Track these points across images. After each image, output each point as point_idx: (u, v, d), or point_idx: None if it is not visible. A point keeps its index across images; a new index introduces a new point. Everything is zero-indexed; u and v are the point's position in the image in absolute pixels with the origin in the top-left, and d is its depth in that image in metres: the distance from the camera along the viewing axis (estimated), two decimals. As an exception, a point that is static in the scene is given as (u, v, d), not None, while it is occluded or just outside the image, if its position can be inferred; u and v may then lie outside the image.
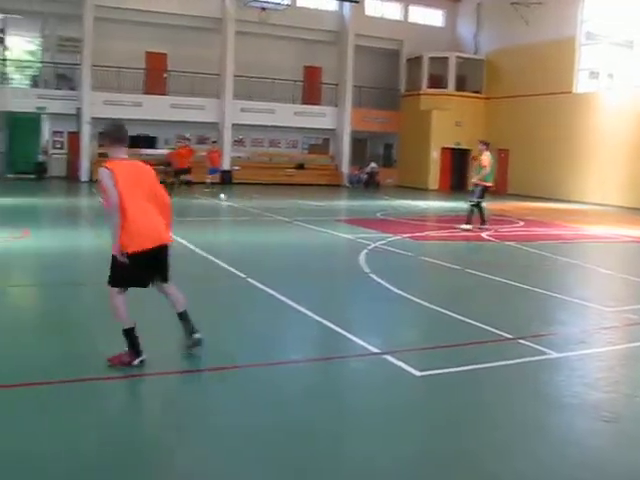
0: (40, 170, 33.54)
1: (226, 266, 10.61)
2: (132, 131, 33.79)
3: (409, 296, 8.88)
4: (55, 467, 4.06)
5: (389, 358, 6.21)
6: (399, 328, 7.81)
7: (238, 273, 10.01)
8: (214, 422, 4.83)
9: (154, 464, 4.26)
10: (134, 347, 5.77)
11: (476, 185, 17.04)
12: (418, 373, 5.83)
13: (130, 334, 5.78)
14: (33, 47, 37.47)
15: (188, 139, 29.68)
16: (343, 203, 27.61)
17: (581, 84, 31.12)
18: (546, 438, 4.69)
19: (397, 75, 38.82)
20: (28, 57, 37.54)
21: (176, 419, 4.92)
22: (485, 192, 17.00)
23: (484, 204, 17.06)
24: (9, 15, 33.41)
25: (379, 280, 9.80)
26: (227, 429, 4.71)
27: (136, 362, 5.73)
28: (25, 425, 4.58)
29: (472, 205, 16.88)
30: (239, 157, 35.58)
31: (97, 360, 5.82)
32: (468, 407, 5.29)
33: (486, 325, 7.37)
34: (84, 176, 32.41)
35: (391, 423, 4.96)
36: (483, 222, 16.77)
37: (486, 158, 16.97)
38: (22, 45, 37.52)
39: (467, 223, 16.68)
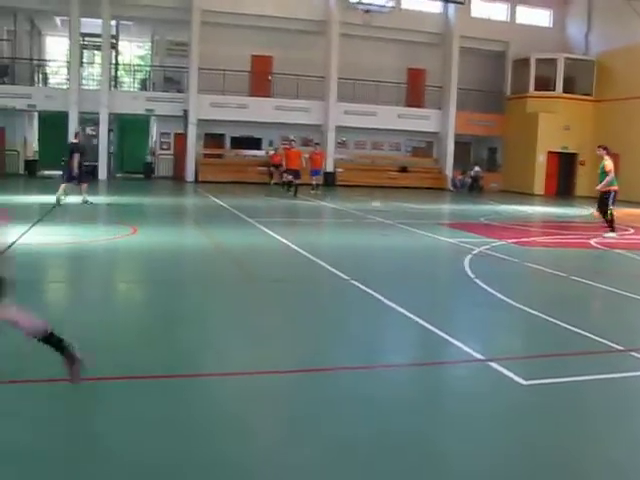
0: (148, 170, 34.62)
1: (329, 267, 10.61)
2: (237, 132, 34.69)
3: (514, 302, 8.65)
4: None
5: (494, 365, 6.05)
6: (504, 335, 7.61)
7: (341, 275, 9.99)
8: (317, 430, 4.81)
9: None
10: (64, 349, 4.96)
11: (606, 192, 16.58)
12: (524, 382, 5.64)
13: (51, 339, 4.94)
14: (143, 52, 38.75)
15: (294, 141, 30.02)
16: (446, 207, 27.29)
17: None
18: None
19: (503, 77, 38.08)
20: (138, 61, 38.84)
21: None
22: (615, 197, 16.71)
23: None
24: (122, 22, 34.61)
25: (484, 285, 9.60)
26: (328, 435, 4.68)
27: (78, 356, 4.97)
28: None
29: (609, 212, 16.54)
30: (342, 159, 35.69)
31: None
32: (575, 421, 5.08)
33: (595, 335, 7.09)
34: (189, 176, 33.21)
35: (495, 432, 4.82)
36: (613, 229, 16.46)
37: (609, 163, 16.52)
38: (133, 50, 38.85)
39: (612, 231, 16.32)
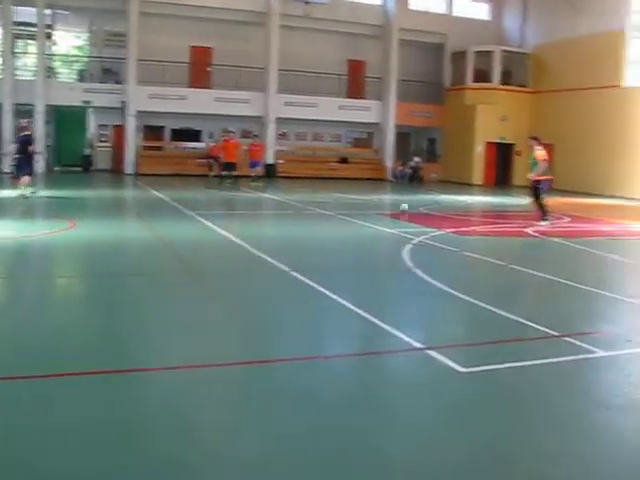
0: (86, 163, 34.05)
1: (270, 259, 10.63)
2: (176, 124, 34.35)
3: (453, 291, 8.80)
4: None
5: (432, 353, 6.17)
6: (443, 324, 7.75)
7: (281, 266, 10.03)
8: (253, 417, 4.84)
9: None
10: None
11: (538, 181, 16.77)
12: (462, 369, 5.77)
13: None
14: (80, 42, 37.98)
15: (232, 132, 29.91)
16: (387, 197, 27.51)
17: (630, 78, 30.52)
18: (594, 439, 4.62)
19: (441, 69, 38.49)
20: (75, 52, 38.08)
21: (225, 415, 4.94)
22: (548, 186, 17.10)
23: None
24: (57, 11, 33.89)
25: (423, 275, 9.74)
26: (262, 423, 4.72)
27: None
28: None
29: (539, 200, 16.80)
30: (283, 151, 35.67)
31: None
32: (513, 405, 5.22)
33: (531, 322, 7.28)
34: (129, 169, 32.79)
35: (434, 420, 4.91)
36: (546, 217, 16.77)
37: (540, 152, 16.81)
38: (69, 40, 38.05)
39: (544, 219, 16.57)
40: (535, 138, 17.32)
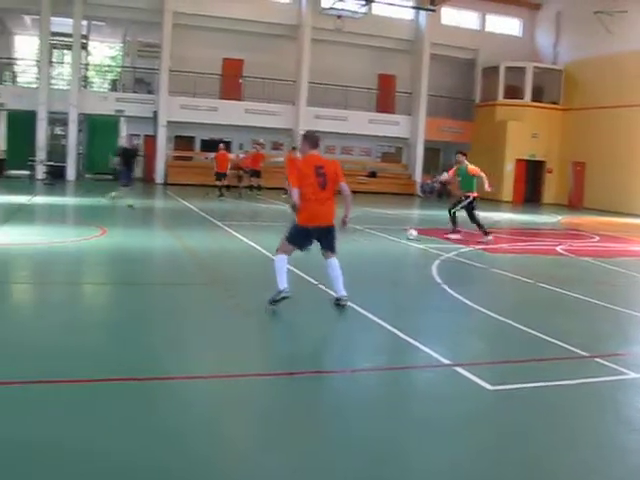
0: (116, 171, 34.33)
1: (299, 272, 10.63)
2: (206, 135, 34.57)
3: (481, 308, 8.75)
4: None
5: (460, 370, 6.12)
6: (471, 340, 7.69)
7: (309, 279, 10.02)
8: (283, 427, 4.84)
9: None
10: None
11: (467, 196, 16.26)
12: (490, 387, 5.72)
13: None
14: (114, 52, 38.52)
15: (262, 144, 30.03)
16: (415, 212, 27.46)
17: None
18: (625, 462, 4.55)
19: (472, 85, 38.43)
20: (109, 62, 38.59)
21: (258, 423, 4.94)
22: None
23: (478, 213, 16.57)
24: (93, 22, 34.38)
25: (451, 291, 9.69)
26: (290, 431, 4.71)
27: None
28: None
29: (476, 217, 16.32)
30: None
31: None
32: (542, 425, 5.14)
33: (560, 341, 7.19)
34: (159, 178, 33.05)
35: (461, 437, 4.87)
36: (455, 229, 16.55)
37: (473, 166, 16.38)
38: (103, 50, 38.60)
39: (487, 234, 16.08)
40: (463, 153, 16.74)
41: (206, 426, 4.79)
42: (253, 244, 13.53)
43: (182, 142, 35.01)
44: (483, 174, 16.35)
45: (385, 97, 37.67)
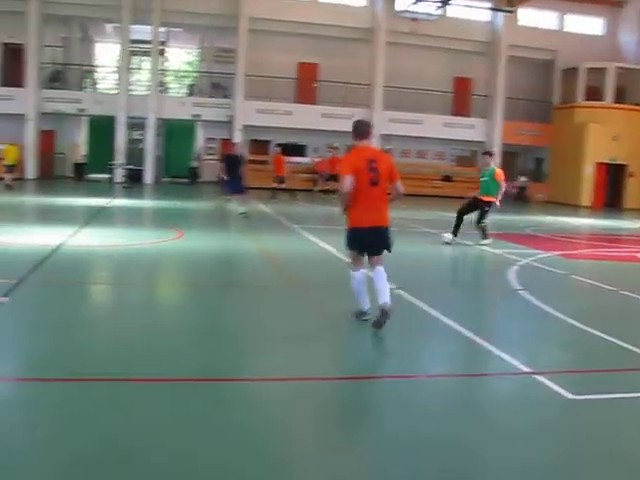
0: (193, 175, 34.94)
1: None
2: (282, 139, 34.76)
3: (561, 316, 8.51)
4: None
5: (540, 378, 5.95)
6: (550, 348, 7.47)
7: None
8: (357, 431, 4.79)
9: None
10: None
11: (489, 202, 15.23)
12: (571, 396, 5.54)
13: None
14: (191, 58, 39.20)
15: (336, 148, 30.05)
16: (491, 217, 26.97)
17: None
18: None
19: (550, 87, 37.69)
20: (186, 67, 39.30)
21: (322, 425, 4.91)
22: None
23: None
24: (171, 28, 35.07)
25: (530, 298, 9.46)
26: (368, 438, 4.66)
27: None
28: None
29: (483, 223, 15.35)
30: (386, 167, 35.55)
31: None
32: (627, 439, 4.97)
33: (645, 351, 6.95)
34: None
35: (538, 446, 4.72)
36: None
37: (500, 171, 15.31)
38: (181, 56, 39.32)
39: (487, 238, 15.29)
40: (490, 154, 15.74)
41: (282, 428, 4.79)
42: (329, 247, 13.52)
43: (257, 146, 35.35)
44: (504, 184, 15.30)
45: (461, 100, 37.26)
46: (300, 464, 4.25)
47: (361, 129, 7.29)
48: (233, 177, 18.47)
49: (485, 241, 15.17)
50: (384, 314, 6.99)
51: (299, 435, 4.73)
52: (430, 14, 32.98)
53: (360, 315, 7.42)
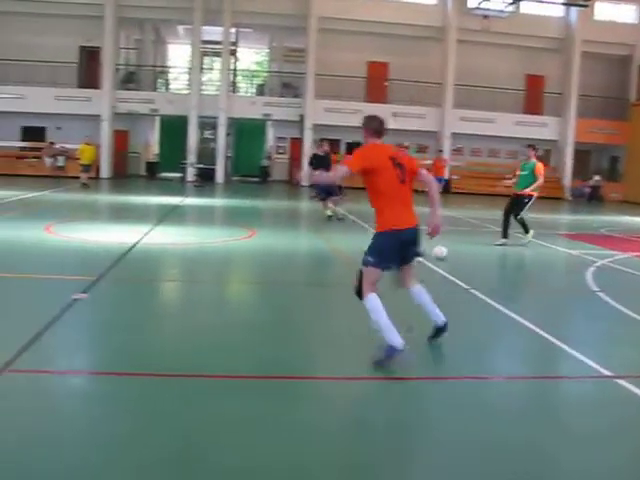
0: (263, 174, 35.24)
1: (448, 275, 10.47)
2: (351, 138, 34.71)
3: (641, 318, 8.28)
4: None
5: (622, 383, 5.79)
6: (629, 350, 7.24)
7: (460, 283, 9.83)
8: (429, 433, 4.74)
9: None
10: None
11: (529, 195, 14.51)
12: (655, 402, 5.39)
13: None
14: (260, 58, 39.57)
15: (406, 147, 29.87)
16: (565, 217, 26.51)
17: None
18: None
19: (627, 83, 36.72)
20: (255, 67, 39.69)
21: (393, 426, 4.88)
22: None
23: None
24: (241, 29, 35.45)
25: (608, 299, 9.22)
26: (441, 440, 4.60)
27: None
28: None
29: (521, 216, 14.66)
30: (457, 166, 35.25)
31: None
32: None
33: None
34: (305, 180, 33.56)
35: (614, 449, 4.59)
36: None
37: (541, 165, 14.54)
38: (251, 56, 39.72)
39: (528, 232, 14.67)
40: (534, 148, 14.94)
41: (355, 428, 4.79)
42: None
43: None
44: (541, 179, 14.48)
45: (533, 98, 36.61)
46: (371, 466, 4.22)
47: (381, 127, 6.40)
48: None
49: (528, 235, 14.65)
50: (444, 328, 6.60)
51: (370, 435, 4.71)
52: (502, 11, 32.49)
53: (389, 356, 5.91)
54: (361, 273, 6.15)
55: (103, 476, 3.84)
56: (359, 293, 6.14)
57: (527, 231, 14.69)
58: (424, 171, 6.46)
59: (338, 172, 6.24)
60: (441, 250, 11.48)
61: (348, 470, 4.12)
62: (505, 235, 14.57)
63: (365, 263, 6.07)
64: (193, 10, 32.37)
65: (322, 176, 6.34)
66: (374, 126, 6.35)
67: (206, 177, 32.60)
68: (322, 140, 19.07)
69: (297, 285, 9.94)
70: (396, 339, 5.85)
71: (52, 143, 31.10)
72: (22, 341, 6.00)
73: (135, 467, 3.96)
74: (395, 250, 6.11)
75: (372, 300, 5.98)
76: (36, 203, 19.94)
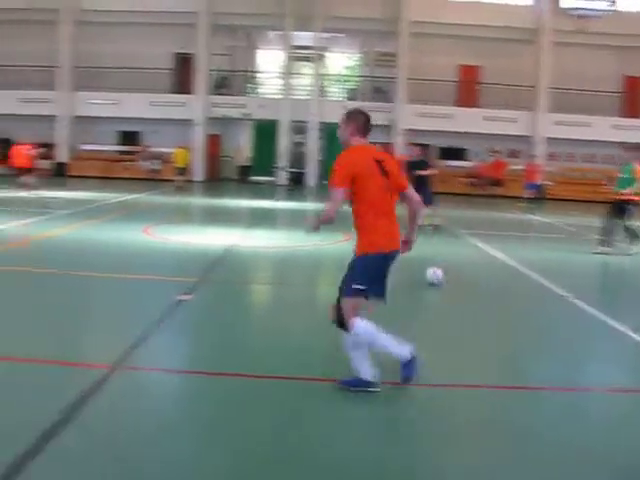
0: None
1: (542, 280, 10.26)
2: (442, 142, 34.43)
3: None
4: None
5: None
6: None
7: (558, 291, 9.60)
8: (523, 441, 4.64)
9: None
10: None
11: (630, 200, 13.76)
12: None
13: None
14: (351, 62, 39.67)
15: (498, 152, 29.47)
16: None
17: None
18: None
19: None
20: (346, 72, 39.83)
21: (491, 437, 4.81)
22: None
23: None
24: (332, 34, 35.63)
25: None
26: (537, 450, 4.50)
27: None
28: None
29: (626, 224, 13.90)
30: (551, 172, 34.39)
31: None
32: None
33: None
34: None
35: None
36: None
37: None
38: (341, 61, 39.88)
39: (608, 246, 13.88)
40: (638, 148, 14.04)
41: (448, 434, 4.75)
42: (496, 254, 13.25)
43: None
44: None
45: (631, 100, 35.45)
46: (466, 476, 4.18)
47: (368, 124, 5.52)
48: (417, 186, 16.40)
49: (634, 245, 13.94)
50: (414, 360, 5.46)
51: (464, 443, 4.66)
52: (599, 10, 31.61)
53: (357, 385, 5.27)
54: (339, 307, 5.35)
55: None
56: (342, 325, 5.32)
57: (634, 240, 14.00)
58: (411, 190, 5.55)
59: (333, 199, 5.32)
60: (436, 273, 9.58)
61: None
62: (607, 243, 14.02)
63: (349, 294, 5.25)
64: (285, 16, 32.77)
65: (324, 214, 5.42)
66: (360, 122, 5.48)
67: (297, 181, 32.95)
68: (412, 144, 18.21)
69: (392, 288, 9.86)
70: (370, 371, 5.23)
71: (146, 147, 31.98)
72: (131, 340, 6.21)
73: (223, 466, 4.04)
74: (384, 273, 5.48)
75: (362, 324, 5.20)
76: (134, 205, 20.55)
